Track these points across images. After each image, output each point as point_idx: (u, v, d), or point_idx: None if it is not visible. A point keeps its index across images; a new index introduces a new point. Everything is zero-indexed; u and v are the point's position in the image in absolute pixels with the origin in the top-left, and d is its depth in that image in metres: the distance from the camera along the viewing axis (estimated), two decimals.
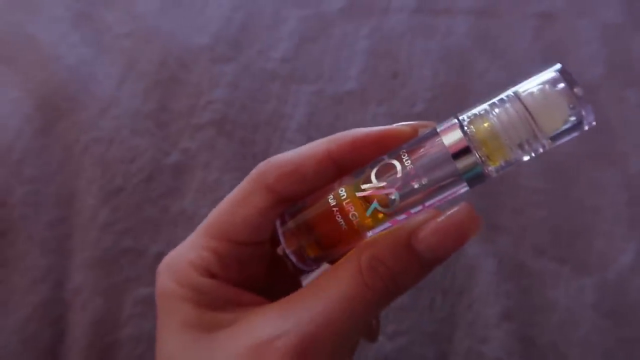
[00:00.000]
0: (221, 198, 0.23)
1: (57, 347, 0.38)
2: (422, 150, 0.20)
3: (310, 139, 0.45)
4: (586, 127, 0.18)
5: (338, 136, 0.22)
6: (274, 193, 0.22)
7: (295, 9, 0.54)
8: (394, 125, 0.22)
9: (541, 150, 0.19)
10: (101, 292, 0.39)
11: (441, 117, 0.20)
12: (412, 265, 0.21)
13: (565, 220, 0.43)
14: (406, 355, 0.37)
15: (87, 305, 0.39)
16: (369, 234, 0.21)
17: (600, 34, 0.52)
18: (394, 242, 0.20)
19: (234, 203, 0.23)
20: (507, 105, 0.19)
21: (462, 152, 0.19)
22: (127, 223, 0.42)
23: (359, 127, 0.22)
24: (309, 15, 0.54)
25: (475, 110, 0.19)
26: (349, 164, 0.22)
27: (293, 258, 0.22)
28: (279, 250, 0.25)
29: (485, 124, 0.19)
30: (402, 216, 0.21)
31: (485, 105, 0.19)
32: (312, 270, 0.23)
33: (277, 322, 0.20)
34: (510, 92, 0.19)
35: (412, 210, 0.20)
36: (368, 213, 0.20)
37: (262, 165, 0.22)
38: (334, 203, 0.21)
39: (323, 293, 0.20)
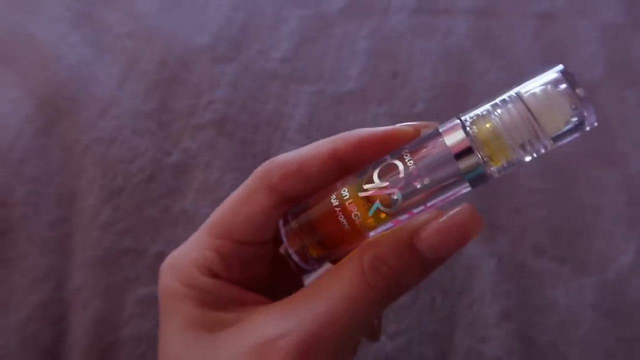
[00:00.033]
0: (222, 198, 0.23)
1: (57, 346, 0.38)
2: (424, 150, 0.20)
3: (310, 139, 0.45)
4: (588, 128, 0.19)
5: (343, 136, 0.22)
6: (277, 192, 0.22)
7: (296, 9, 0.54)
8: (397, 125, 0.22)
9: (543, 150, 0.19)
10: (102, 292, 0.39)
11: (441, 117, 0.20)
12: (414, 265, 0.21)
13: (565, 220, 0.43)
14: (406, 355, 0.38)
15: (87, 305, 0.39)
16: (371, 234, 0.21)
17: (600, 34, 0.52)
18: (396, 242, 0.20)
19: (238, 202, 0.23)
20: (510, 105, 0.19)
21: (465, 152, 0.19)
22: (127, 223, 0.42)
23: (359, 127, 0.22)
24: (309, 15, 0.54)
25: (478, 111, 0.19)
26: (353, 164, 0.22)
27: (295, 258, 0.22)
28: (281, 250, 0.25)
29: (488, 125, 0.19)
30: (405, 216, 0.21)
31: (487, 106, 0.19)
32: (314, 270, 0.23)
33: (280, 322, 0.20)
34: (512, 92, 0.19)
35: (415, 211, 0.20)
36: (370, 213, 0.21)
37: (266, 165, 0.22)
38: (337, 203, 0.21)
39: (325, 293, 0.20)
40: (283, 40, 0.52)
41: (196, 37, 0.52)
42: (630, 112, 0.48)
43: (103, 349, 0.38)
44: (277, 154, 0.22)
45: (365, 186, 0.21)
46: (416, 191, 0.20)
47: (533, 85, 0.19)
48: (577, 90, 0.18)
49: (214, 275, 0.22)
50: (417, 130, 0.22)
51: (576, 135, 0.19)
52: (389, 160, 0.20)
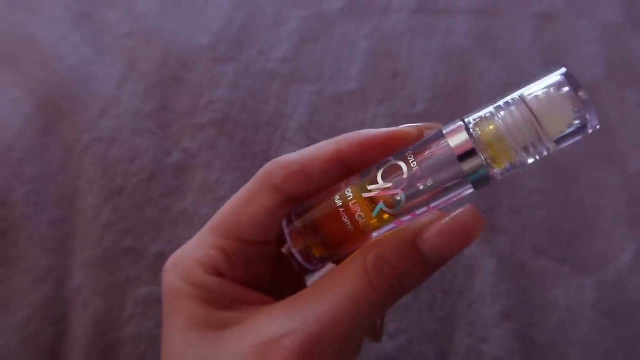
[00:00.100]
0: (222, 198, 0.23)
1: (58, 346, 0.38)
2: (428, 151, 0.20)
3: (310, 139, 0.46)
4: (590, 131, 0.19)
5: (345, 137, 0.22)
6: (281, 193, 0.22)
7: (296, 9, 0.54)
8: (400, 127, 0.22)
9: (545, 153, 0.19)
10: (102, 292, 0.39)
11: (442, 117, 0.20)
12: (417, 266, 0.21)
13: (565, 220, 0.43)
14: (406, 354, 0.38)
15: (88, 305, 0.39)
16: (375, 234, 0.21)
17: (600, 34, 0.53)
18: (399, 243, 0.21)
19: (241, 202, 0.23)
20: (513, 108, 0.19)
21: (468, 154, 0.19)
22: (128, 223, 0.42)
23: (359, 127, 0.23)
24: (309, 15, 0.54)
25: (481, 113, 0.20)
26: (357, 165, 0.22)
27: (299, 258, 0.22)
28: (285, 250, 0.25)
29: (491, 127, 0.19)
30: (408, 217, 0.21)
31: (490, 108, 0.19)
32: (317, 270, 0.24)
33: (283, 321, 0.20)
34: (515, 95, 0.19)
35: (418, 212, 0.21)
36: (374, 214, 0.21)
37: (269, 165, 0.23)
38: (341, 203, 0.21)
39: (329, 292, 0.21)
40: (283, 40, 0.52)
41: (196, 37, 0.52)
42: (630, 112, 0.48)
43: (103, 349, 0.38)
44: (277, 154, 0.22)
45: (369, 187, 0.21)
46: (419, 192, 0.20)
47: (536, 88, 0.19)
48: (580, 94, 0.18)
49: (219, 274, 0.22)
50: (421, 132, 0.22)
51: (579, 138, 0.19)
52: (393, 162, 0.21)
